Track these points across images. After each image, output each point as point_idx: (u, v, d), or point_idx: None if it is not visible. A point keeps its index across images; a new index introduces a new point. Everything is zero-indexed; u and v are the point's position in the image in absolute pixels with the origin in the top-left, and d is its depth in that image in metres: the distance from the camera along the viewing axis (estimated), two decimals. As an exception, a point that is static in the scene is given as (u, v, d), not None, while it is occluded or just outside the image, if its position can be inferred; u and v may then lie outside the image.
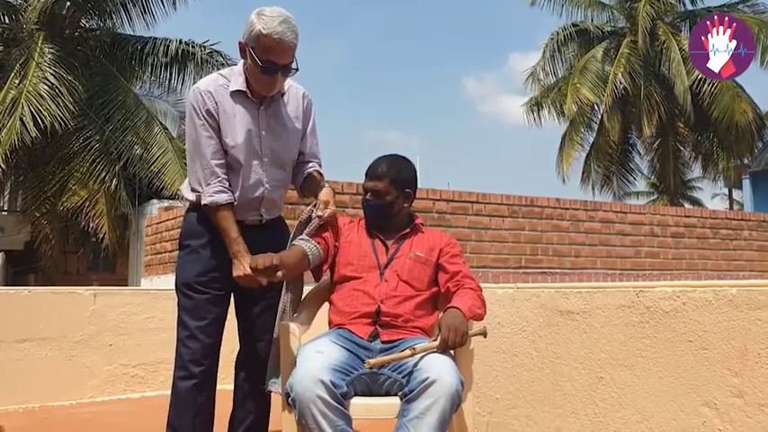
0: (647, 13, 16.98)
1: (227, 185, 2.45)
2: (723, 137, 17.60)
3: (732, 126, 16.70)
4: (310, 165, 2.67)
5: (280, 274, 2.19)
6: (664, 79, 17.61)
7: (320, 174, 2.68)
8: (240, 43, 2.42)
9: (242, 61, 2.49)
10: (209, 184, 2.43)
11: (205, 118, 2.43)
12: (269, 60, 2.35)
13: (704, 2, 18.77)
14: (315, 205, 2.53)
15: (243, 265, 2.34)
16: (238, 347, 2.68)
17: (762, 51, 16.66)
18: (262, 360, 2.58)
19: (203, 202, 2.45)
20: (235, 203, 2.46)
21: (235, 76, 2.51)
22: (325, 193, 2.55)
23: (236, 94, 2.48)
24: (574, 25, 18.71)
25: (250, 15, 2.37)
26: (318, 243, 2.44)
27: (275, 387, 2.44)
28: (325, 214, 2.48)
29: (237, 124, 2.46)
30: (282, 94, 2.58)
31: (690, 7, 18.84)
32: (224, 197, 2.43)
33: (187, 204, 2.64)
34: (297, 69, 2.45)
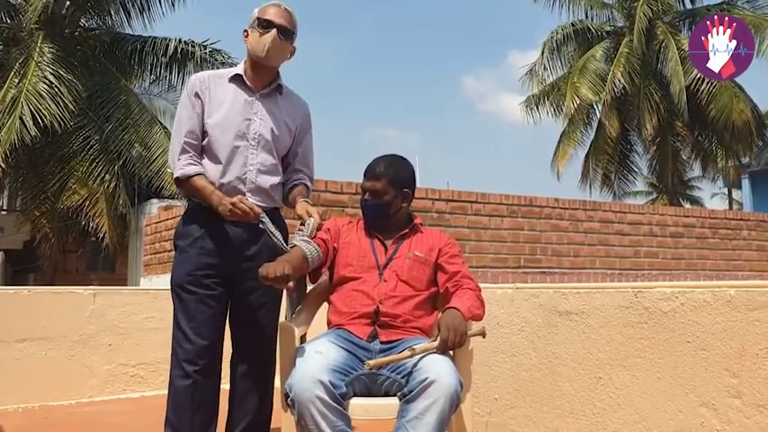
0: (643, 12, 16.98)
1: (197, 161, 2.52)
2: (721, 136, 17.61)
3: (729, 126, 16.69)
4: (299, 176, 2.71)
5: (291, 285, 2.20)
6: (662, 79, 17.61)
7: (306, 187, 2.72)
8: (244, 31, 2.58)
9: (245, 58, 2.62)
10: (179, 159, 2.51)
11: (190, 98, 2.55)
12: (266, 19, 2.51)
13: (703, 1, 18.75)
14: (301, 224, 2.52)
15: (226, 204, 2.39)
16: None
17: (759, 42, 16.57)
18: (257, 359, 2.58)
19: (175, 175, 2.53)
20: (219, 184, 2.50)
21: (237, 68, 2.65)
22: (299, 208, 2.56)
23: (233, 80, 2.60)
24: (573, 24, 18.71)
25: None
26: (318, 245, 2.44)
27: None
28: (309, 231, 2.47)
29: (225, 105, 2.54)
30: (281, 92, 2.65)
31: (689, 6, 18.85)
32: (193, 169, 2.50)
33: (186, 204, 2.67)
34: (294, 34, 2.58)
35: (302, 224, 2.50)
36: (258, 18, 2.52)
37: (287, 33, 2.54)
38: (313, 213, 2.52)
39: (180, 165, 2.51)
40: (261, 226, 2.43)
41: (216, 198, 2.44)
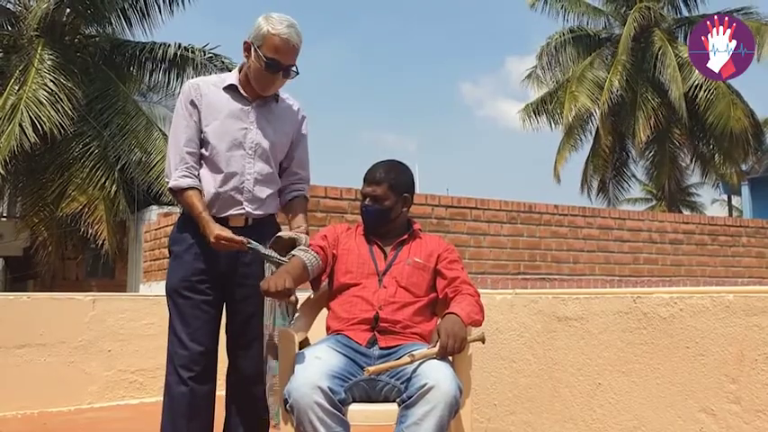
0: (634, 19, 17.07)
1: (193, 173, 2.51)
2: (719, 143, 17.65)
3: (727, 133, 16.72)
4: (297, 186, 2.71)
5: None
6: (660, 86, 17.66)
7: (305, 198, 2.73)
8: (245, 42, 2.51)
9: (240, 64, 2.59)
10: (176, 169, 2.50)
11: (186, 107, 2.53)
12: (273, 59, 2.44)
13: (699, 9, 18.86)
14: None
15: (211, 232, 2.38)
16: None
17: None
18: (252, 368, 2.55)
19: (169, 185, 2.51)
20: (216, 192, 2.49)
21: (231, 76, 2.61)
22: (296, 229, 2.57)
23: (228, 89, 2.57)
24: (571, 31, 18.77)
25: (258, 18, 2.47)
26: (317, 253, 2.44)
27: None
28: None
29: (221, 114, 2.51)
30: (277, 100, 2.64)
31: (686, 14, 18.93)
32: (187, 181, 2.49)
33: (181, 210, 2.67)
34: (297, 73, 2.53)
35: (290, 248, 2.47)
36: (265, 56, 2.43)
37: (290, 71, 2.51)
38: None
39: (175, 175, 2.49)
40: (251, 253, 2.43)
41: (202, 222, 2.43)
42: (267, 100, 2.61)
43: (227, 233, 2.38)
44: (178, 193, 2.50)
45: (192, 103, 2.53)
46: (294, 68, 2.51)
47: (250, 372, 2.56)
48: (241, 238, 2.38)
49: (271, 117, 2.61)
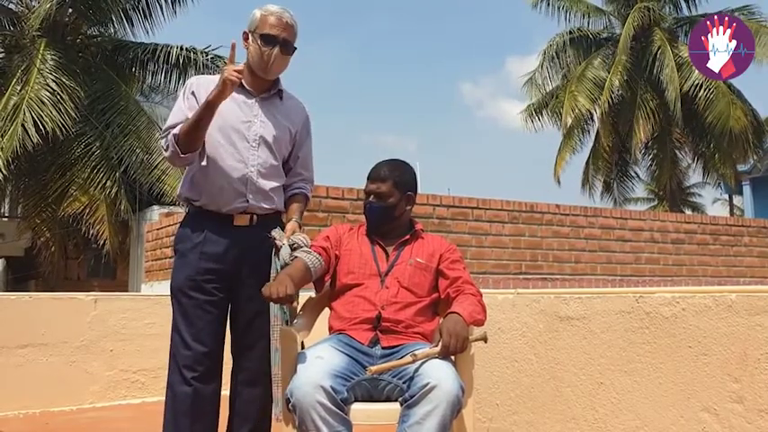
0: (633, 20, 17.07)
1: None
2: (719, 143, 17.63)
3: (726, 132, 16.70)
4: (299, 184, 2.71)
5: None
6: (659, 85, 17.63)
7: (305, 196, 2.72)
8: (244, 33, 2.56)
9: (243, 63, 2.59)
10: (167, 136, 2.48)
11: (188, 97, 2.55)
12: (269, 34, 2.48)
13: (698, 10, 18.84)
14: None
15: (218, 84, 2.34)
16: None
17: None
18: (258, 366, 2.55)
19: (168, 150, 2.47)
20: (220, 185, 2.49)
21: None
22: (288, 229, 2.55)
23: None
24: (571, 32, 18.75)
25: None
26: (319, 254, 2.44)
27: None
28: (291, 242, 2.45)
29: (224, 107, 2.46)
30: (281, 97, 2.65)
31: (686, 13, 18.91)
32: (177, 127, 2.46)
33: (187, 209, 2.66)
34: (295, 48, 2.57)
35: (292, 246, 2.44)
36: (260, 34, 2.49)
37: (289, 46, 2.53)
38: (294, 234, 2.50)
39: (169, 138, 2.47)
40: (270, 238, 2.42)
41: (204, 102, 2.38)
42: (271, 95, 2.62)
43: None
44: (179, 137, 2.43)
45: (194, 93, 2.54)
46: (293, 45, 2.54)
47: (254, 371, 2.56)
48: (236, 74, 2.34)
49: (274, 111, 2.62)
